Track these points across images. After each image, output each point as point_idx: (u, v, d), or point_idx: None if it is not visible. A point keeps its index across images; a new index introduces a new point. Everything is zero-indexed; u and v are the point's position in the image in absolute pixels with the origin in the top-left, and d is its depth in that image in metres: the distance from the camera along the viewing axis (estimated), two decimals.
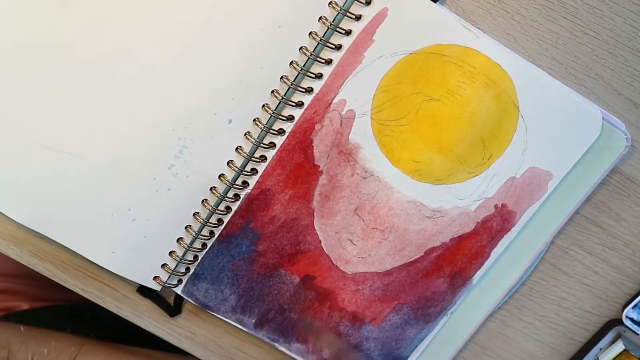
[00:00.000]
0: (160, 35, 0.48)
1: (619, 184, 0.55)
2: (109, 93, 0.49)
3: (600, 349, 0.60)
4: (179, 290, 0.56)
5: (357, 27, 0.48)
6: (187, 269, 0.56)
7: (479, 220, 0.54)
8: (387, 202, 0.53)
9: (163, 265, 0.55)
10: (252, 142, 0.51)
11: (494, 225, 0.54)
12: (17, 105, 0.49)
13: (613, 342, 0.60)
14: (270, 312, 0.57)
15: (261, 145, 0.51)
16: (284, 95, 0.50)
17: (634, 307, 0.59)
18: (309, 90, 0.50)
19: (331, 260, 0.56)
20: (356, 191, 0.53)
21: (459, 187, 0.53)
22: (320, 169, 0.52)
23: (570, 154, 0.52)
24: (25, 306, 0.79)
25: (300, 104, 0.50)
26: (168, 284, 0.55)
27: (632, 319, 0.59)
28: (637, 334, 0.59)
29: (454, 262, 0.56)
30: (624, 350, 0.59)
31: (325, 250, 0.55)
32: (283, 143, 0.51)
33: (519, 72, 0.49)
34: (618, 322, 0.60)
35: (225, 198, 0.52)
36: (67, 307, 0.79)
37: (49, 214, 0.52)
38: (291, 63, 0.49)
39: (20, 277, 0.79)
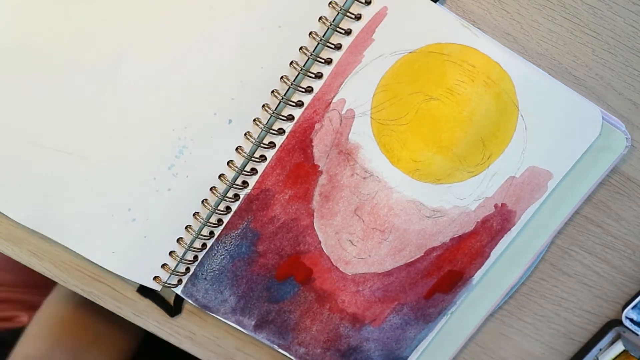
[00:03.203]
0: (160, 36, 0.48)
1: (619, 184, 0.55)
2: (110, 93, 0.49)
3: (600, 349, 0.60)
4: (178, 290, 0.56)
5: (356, 27, 0.48)
6: (187, 269, 0.56)
7: (479, 220, 0.54)
8: (387, 202, 0.53)
9: (163, 265, 0.55)
10: (252, 142, 0.51)
11: (494, 224, 0.54)
12: (18, 105, 0.49)
13: (613, 342, 0.60)
14: (270, 313, 0.57)
15: (261, 145, 0.51)
16: (284, 95, 0.50)
17: (633, 307, 0.59)
18: (309, 90, 0.50)
19: (331, 261, 0.56)
20: (356, 191, 0.53)
21: (459, 186, 0.53)
22: (320, 168, 0.52)
23: (570, 154, 0.52)
24: (24, 316, 0.79)
25: (300, 104, 0.50)
26: (168, 284, 0.55)
27: (631, 320, 0.59)
28: (637, 335, 0.59)
29: (454, 262, 0.56)
30: (624, 350, 0.58)
31: (325, 251, 0.55)
32: (283, 143, 0.51)
33: (519, 71, 0.50)
34: (618, 322, 0.60)
35: (225, 198, 0.52)
36: None
37: (49, 214, 0.52)
38: (291, 63, 0.49)
39: (19, 287, 0.80)
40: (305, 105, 0.51)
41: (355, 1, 0.48)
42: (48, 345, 0.69)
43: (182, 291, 0.56)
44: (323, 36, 0.48)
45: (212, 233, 0.54)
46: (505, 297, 0.59)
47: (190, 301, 0.57)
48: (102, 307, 0.58)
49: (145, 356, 0.79)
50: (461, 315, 0.59)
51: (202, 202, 0.53)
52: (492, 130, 0.51)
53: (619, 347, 0.59)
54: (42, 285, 0.78)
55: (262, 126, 0.51)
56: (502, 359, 0.63)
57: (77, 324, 0.72)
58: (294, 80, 0.50)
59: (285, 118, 0.50)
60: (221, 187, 0.52)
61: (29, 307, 0.79)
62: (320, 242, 0.55)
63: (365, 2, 0.48)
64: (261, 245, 0.55)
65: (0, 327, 0.77)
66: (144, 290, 0.57)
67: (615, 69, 0.51)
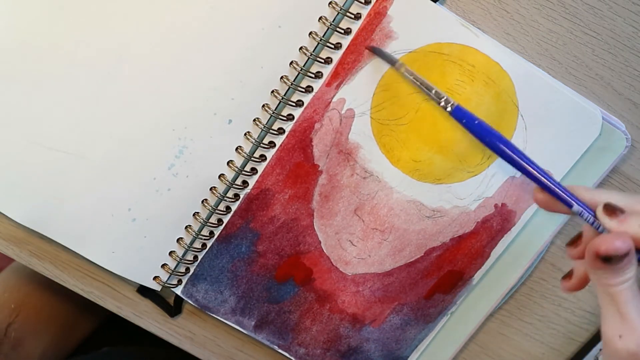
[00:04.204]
0: (160, 35, 0.48)
1: (619, 184, 0.55)
2: (109, 93, 0.49)
3: (600, 349, 0.60)
4: (178, 290, 0.56)
5: (356, 26, 0.48)
6: (187, 269, 0.55)
7: (479, 220, 0.54)
8: (387, 202, 0.53)
9: (163, 265, 0.55)
10: (252, 142, 0.51)
11: (494, 224, 0.54)
12: (17, 105, 0.49)
13: None
14: (270, 314, 0.57)
15: (261, 145, 0.51)
16: (284, 95, 0.50)
17: None
18: (309, 90, 0.50)
19: (331, 262, 0.56)
20: (356, 191, 0.53)
21: (459, 186, 0.53)
22: (319, 168, 0.52)
23: (570, 154, 0.52)
24: None
25: (300, 104, 0.50)
26: (168, 284, 0.55)
27: None
28: None
29: (454, 262, 0.56)
30: None
31: (325, 251, 0.55)
32: (283, 142, 0.51)
33: (519, 71, 0.50)
34: None
35: (225, 198, 0.52)
36: None
37: (49, 214, 0.52)
38: (291, 63, 0.49)
39: None
40: (305, 104, 0.51)
41: (355, 1, 0.48)
42: None
43: (182, 291, 0.56)
44: (323, 36, 0.48)
45: (212, 233, 0.54)
46: (505, 297, 0.59)
47: (190, 301, 0.57)
48: (53, 285, 0.57)
49: (107, 333, 0.79)
50: (461, 315, 0.59)
51: (202, 202, 0.53)
52: None
53: None
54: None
55: (262, 126, 0.51)
56: (502, 359, 0.63)
57: (23, 300, 0.71)
58: (293, 80, 0.50)
59: (285, 118, 0.50)
60: (221, 187, 0.52)
61: None
62: (320, 242, 0.55)
63: (365, 1, 0.48)
64: (261, 245, 0.55)
65: None
66: (144, 291, 0.57)
67: (615, 69, 0.51)
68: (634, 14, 0.50)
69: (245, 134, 0.51)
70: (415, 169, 0.52)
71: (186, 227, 0.54)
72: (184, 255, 0.54)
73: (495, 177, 0.53)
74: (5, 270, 0.75)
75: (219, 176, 0.52)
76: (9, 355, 0.66)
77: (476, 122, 0.43)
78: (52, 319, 0.72)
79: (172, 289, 0.56)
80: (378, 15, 0.48)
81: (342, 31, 0.48)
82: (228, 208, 0.53)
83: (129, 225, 0.53)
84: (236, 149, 0.52)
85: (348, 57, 0.49)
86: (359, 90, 0.50)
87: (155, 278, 0.55)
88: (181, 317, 0.59)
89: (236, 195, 0.53)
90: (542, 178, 0.41)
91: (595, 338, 0.61)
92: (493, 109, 0.50)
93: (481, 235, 0.55)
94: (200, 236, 0.54)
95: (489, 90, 0.49)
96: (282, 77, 0.50)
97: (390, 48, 0.49)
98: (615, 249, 0.37)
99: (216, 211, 0.53)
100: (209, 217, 0.53)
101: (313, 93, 0.50)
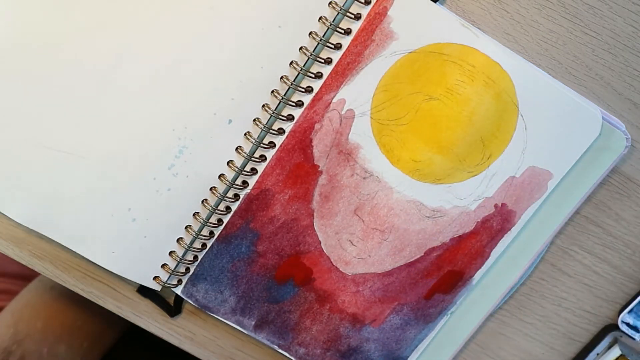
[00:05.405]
0: (160, 35, 0.48)
1: (619, 184, 0.55)
2: (110, 93, 0.49)
3: (597, 354, 0.60)
4: (178, 290, 0.56)
5: (356, 27, 0.48)
6: (187, 269, 0.55)
7: (479, 220, 0.54)
8: (386, 202, 0.53)
9: (163, 265, 0.55)
10: (252, 142, 0.51)
11: (494, 224, 0.54)
12: (18, 105, 0.49)
13: (610, 347, 0.60)
14: (270, 314, 0.57)
15: (261, 145, 0.51)
16: (284, 95, 0.50)
17: (629, 311, 0.58)
18: (309, 90, 0.50)
19: (331, 262, 0.56)
20: (356, 191, 0.53)
21: (459, 186, 0.53)
22: (319, 169, 0.52)
23: (570, 154, 0.52)
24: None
25: (300, 104, 0.50)
26: (168, 284, 0.55)
27: (627, 324, 0.59)
28: (634, 339, 0.59)
29: (454, 262, 0.56)
30: (621, 355, 0.58)
31: (325, 251, 0.55)
32: (283, 143, 0.51)
33: (519, 71, 0.50)
34: (614, 327, 0.60)
35: (225, 198, 0.52)
36: None
37: (49, 214, 0.52)
38: (291, 63, 0.49)
39: (20, 279, 0.80)
40: (305, 105, 0.51)
41: (355, 1, 0.48)
42: (11, 333, 0.68)
43: (182, 291, 0.56)
44: (323, 36, 0.48)
45: (212, 233, 0.54)
46: (505, 297, 0.59)
47: (190, 301, 0.57)
48: (81, 299, 0.58)
49: (127, 346, 0.79)
50: (461, 315, 0.59)
51: (202, 202, 0.53)
52: (492, 130, 0.51)
53: (615, 352, 0.59)
54: (28, 276, 0.78)
55: (262, 126, 0.51)
56: (502, 359, 0.63)
57: (50, 315, 0.71)
58: (294, 80, 0.50)
59: (285, 118, 0.50)
60: (221, 187, 0.52)
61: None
62: (320, 242, 0.55)
63: (365, 2, 0.48)
64: (261, 246, 0.55)
65: None
66: (144, 291, 0.57)
67: (615, 69, 0.51)
68: (634, 14, 0.50)
69: (245, 134, 0.51)
70: (415, 169, 0.52)
71: (186, 227, 0.54)
72: (184, 255, 0.54)
73: (495, 177, 0.53)
74: (31, 283, 0.75)
75: (219, 176, 0.52)
76: None
77: None
78: (76, 331, 0.72)
79: (172, 289, 0.56)
80: (378, 15, 0.48)
81: (342, 31, 0.48)
82: (228, 208, 0.53)
83: (129, 225, 0.53)
84: (236, 149, 0.52)
85: (348, 58, 0.49)
86: (359, 91, 0.50)
87: (155, 278, 0.55)
88: (181, 317, 0.59)
89: (236, 196, 0.53)
90: None
91: (596, 338, 0.61)
92: (493, 109, 0.50)
93: (481, 235, 0.55)
94: (200, 236, 0.54)
95: (489, 90, 0.49)
96: (282, 77, 0.50)
97: (390, 48, 0.49)
98: None
99: (216, 211, 0.53)
100: (209, 217, 0.53)
101: (313, 93, 0.50)
